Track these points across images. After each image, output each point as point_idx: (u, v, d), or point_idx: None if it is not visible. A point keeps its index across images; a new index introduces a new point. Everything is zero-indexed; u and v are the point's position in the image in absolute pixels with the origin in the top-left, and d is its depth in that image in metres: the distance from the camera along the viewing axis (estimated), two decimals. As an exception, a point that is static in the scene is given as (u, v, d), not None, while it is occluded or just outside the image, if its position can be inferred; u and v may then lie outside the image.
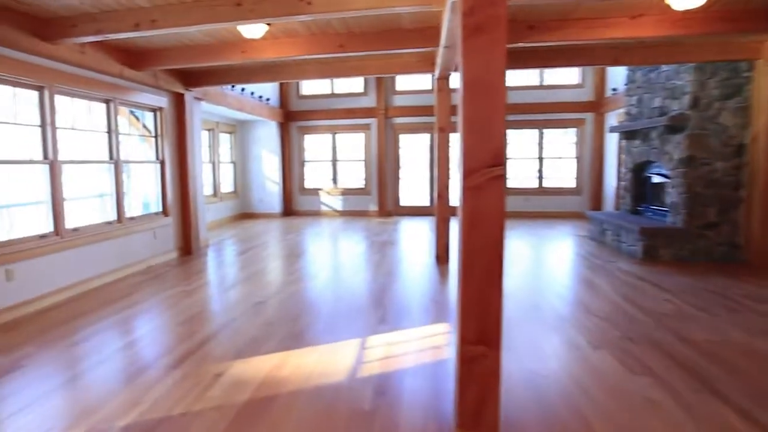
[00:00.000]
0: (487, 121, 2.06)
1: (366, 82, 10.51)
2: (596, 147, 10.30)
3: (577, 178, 10.60)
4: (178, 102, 6.07)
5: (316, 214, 10.88)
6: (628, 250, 6.34)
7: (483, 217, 2.10)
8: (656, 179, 6.65)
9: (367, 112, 10.53)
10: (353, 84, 10.70)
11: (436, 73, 5.35)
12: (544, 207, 10.60)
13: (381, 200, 10.69)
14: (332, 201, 10.87)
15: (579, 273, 5.16)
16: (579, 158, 10.55)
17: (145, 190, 5.92)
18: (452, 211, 10.45)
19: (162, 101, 5.77)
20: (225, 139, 9.81)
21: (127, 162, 5.24)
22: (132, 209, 5.44)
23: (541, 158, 10.63)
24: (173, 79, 5.80)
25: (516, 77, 10.41)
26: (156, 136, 5.78)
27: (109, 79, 4.81)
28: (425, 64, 5.63)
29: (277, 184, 10.42)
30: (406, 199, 10.93)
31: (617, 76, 9.63)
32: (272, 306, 4.05)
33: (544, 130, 10.54)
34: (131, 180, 5.53)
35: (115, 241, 4.95)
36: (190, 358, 2.98)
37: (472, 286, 2.16)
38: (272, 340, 3.28)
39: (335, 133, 10.77)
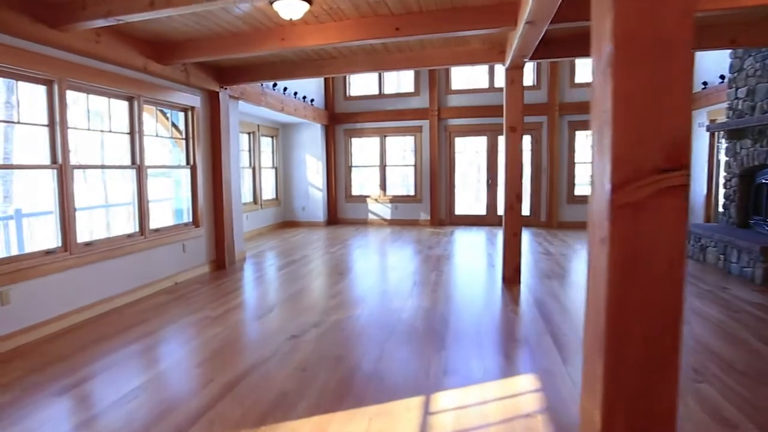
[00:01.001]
0: (656, 100, 1.17)
1: (417, 80, 9.73)
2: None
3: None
4: (212, 101, 5.51)
5: (363, 223, 10.17)
6: (740, 273, 5.18)
7: (647, 255, 1.22)
8: None
9: (418, 114, 9.73)
10: (404, 83, 9.94)
11: (507, 62, 4.48)
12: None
13: (433, 209, 9.84)
14: (380, 209, 10.13)
15: (687, 302, 4.10)
16: (658, 162, 9.25)
17: (174, 198, 5.39)
18: (525, 221, 9.43)
19: (194, 100, 5.22)
20: (266, 143, 9.31)
21: (153, 167, 4.69)
22: (158, 220, 4.89)
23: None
24: (206, 76, 5.24)
25: (583, 72, 9.30)
26: (187, 139, 5.24)
27: (131, 74, 4.28)
28: (493, 53, 4.76)
29: (321, 191, 9.81)
30: (460, 208, 10.02)
31: (701, 67, 8.33)
32: (309, 342, 3.31)
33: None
34: (159, 187, 5.00)
35: (137, 255, 4.40)
36: (198, 423, 2.27)
37: (626, 370, 1.28)
38: (307, 397, 2.51)
39: (384, 136, 10.04)
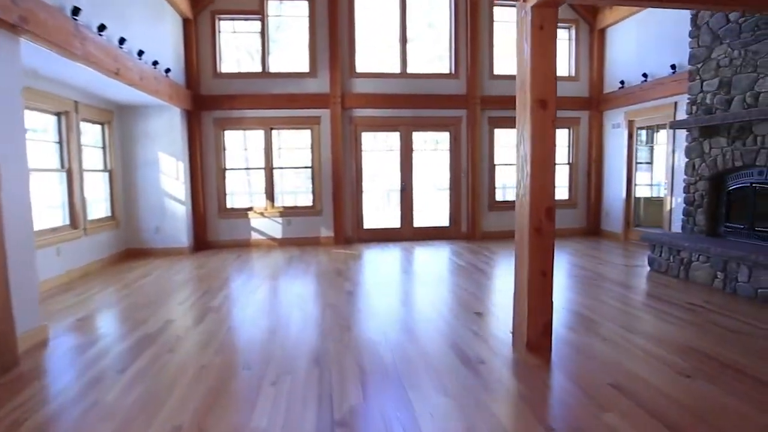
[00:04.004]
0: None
1: (314, 57, 7.52)
2: (593, 151, 8.37)
3: (571, 188, 8.59)
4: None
5: (244, 245, 7.58)
6: (750, 294, 4.21)
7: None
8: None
9: (316, 100, 7.54)
10: (296, 59, 7.65)
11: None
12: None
13: (337, 223, 7.73)
14: (267, 226, 7.66)
15: (703, 348, 2.74)
16: (572, 164, 8.55)
17: None
18: (443, 234, 7.79)
19: None
20: (93, 133, 6.19)
21: None
22: None
23: (533, 165, 8.42)
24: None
25: (503, 63, 8.15)
26: None
27: None
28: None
29: (184, 205, 6.96)
30: (370, 221, 8.08)
31: (619, 66, 7.76)
32: None
33: (539, 130, 8.37)
34: None
35: None
36: None
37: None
38: None
39: (271, 128, 7.60)
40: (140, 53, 5.14)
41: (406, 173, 8.06)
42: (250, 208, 7.64)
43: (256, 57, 7.55)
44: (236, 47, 7.56)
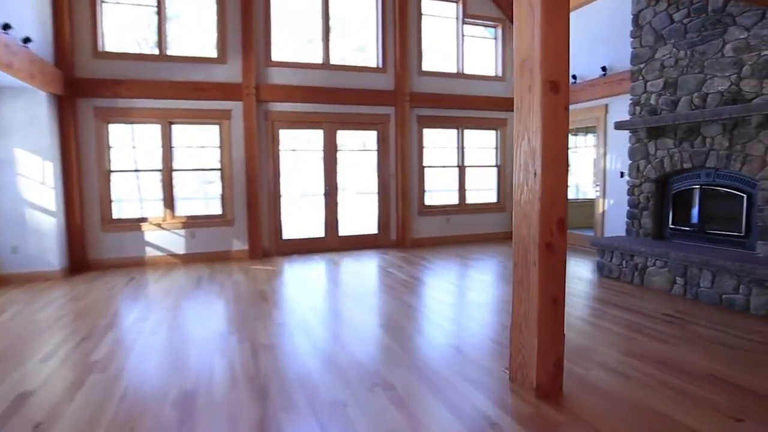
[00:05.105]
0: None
1: (223, 39, 6.38)
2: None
3: (499, 192, 8.42)
4: None
5: (138, 264, 6.18)
6: (713, 300, 4.11)
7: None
8: (692, 192, 4.55)
9: (226, 91, 6.40)
10: (201, 43, 6.44)
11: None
12: (467, 228, 8.11)
13: (252, 233, 6.64)
14: (166, 239, 6.34)
15: (721, 373, 2.46)
16: (500, 167, 8.38)
17: None
18: (371, 242, 7.08)
19: None
20: None
21: None
22: None
23: (461, 166, 8.11)
24: None
25: (432, 59, 7.71)
26: None
27: None
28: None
29: (54, 216, 5.42)
30: (290, 230, 7.10)
31: None
32: None
33: (465, 131, 8.07)
34: None
35: None
36: None
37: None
38: None
39: (170, 122, 6.30)
40: (-20, 10, 3.75)
41: (331, 176, 7.23)
42: (145, 219, 6.27)
43: (151, 36, 6.22)
44: (125, 21, 6.15)
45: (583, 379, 2.63)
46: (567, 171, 2.38)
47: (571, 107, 7.14)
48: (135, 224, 6.18)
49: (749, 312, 3.87)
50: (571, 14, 7.16)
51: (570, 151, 7.56)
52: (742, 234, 4.40)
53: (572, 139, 7.63)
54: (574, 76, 6.93)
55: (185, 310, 4.11)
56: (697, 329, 3.50)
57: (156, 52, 6.17)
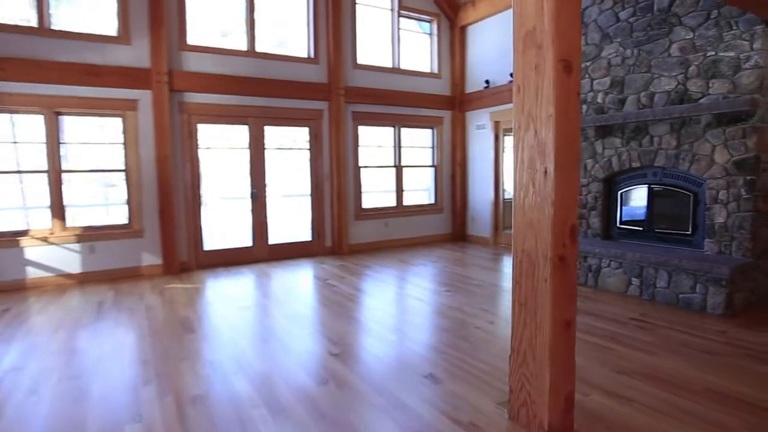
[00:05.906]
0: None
1: (125, 13, 5.36)
2: (458, 153, 8.06)
3: (437, 192, 8.16)
4: None
5: (16, 289, 4.97)
6: (671, 300, 4.09)
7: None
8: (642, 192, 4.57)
9: (130, 77, 5.39)
10: (97, 17, 5.35)
11: None
12: (406, 232, 7.75)
13: (167, 245, 5.69)
14: (55, 256, 5.19)
15: (734, 391, 2.33)
16: (437, 167, 8.13)
17: None
18: (305, 250, 6.40)
19: None
20: None
21: None
22: None
23: (399, 166, 7.73)
24: None
25: (367, 52, 7.23)
26: None
27: None
28: None
29: None
30: (212, 240, 6.22)
31: (484, 66, 7.58)
32: None
33: (402, 129, 7.69)
34: None
35: None
36: None
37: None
38: None
39: (58, 113, 5.16)
40: None
41: (258, 177, 6.45)
42: (25, 232, 5.08)
43: (30, 4, 5.05)
44: (-11, -14, 4.93)
45: (588, 410, 2.26)
46: (579, 170, 1.98)
47: (504, 107, 7.05)
48: (11, 239, 4.97)
49: (706, 311, 3.84)
50: (502, 14, 7.05)
51: (502, 152, 7.50)
52: (689, 232, 4.41)
53: (507, 139, 7.53)
54: (511, 75, 6.79)
55: (81, 352, 3.20)
56: (667, 333, 3.36)
57: (35, 23, 5.01)
